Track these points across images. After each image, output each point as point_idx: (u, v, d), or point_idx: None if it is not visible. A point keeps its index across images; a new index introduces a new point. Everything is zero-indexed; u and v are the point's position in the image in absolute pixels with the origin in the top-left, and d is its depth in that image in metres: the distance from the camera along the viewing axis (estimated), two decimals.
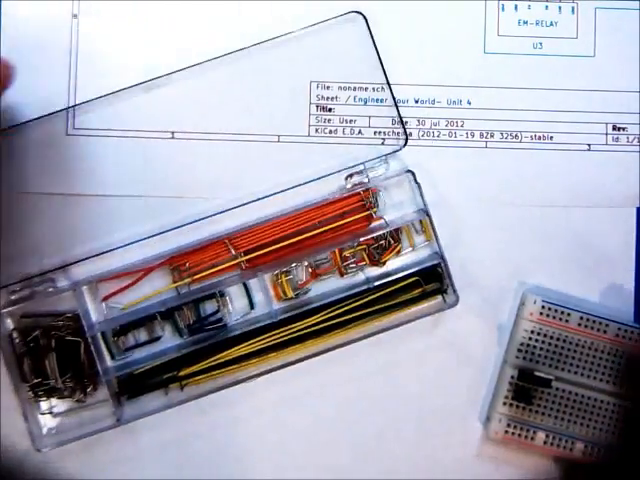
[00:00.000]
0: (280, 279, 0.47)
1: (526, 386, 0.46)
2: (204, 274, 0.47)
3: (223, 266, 0.47)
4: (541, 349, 0.46)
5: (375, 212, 0.47)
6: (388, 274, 0.47)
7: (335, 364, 0.47)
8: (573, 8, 0.49)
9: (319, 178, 0.46)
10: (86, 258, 0.46)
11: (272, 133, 0.48)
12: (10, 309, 0.46)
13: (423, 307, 0.47)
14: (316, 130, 0.48)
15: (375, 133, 0.48)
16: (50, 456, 0.46)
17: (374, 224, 0.47)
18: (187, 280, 0.47)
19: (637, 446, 0.46)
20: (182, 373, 0.46)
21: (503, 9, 0.49)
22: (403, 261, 0.48)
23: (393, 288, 0.47)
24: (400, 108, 0.47)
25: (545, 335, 0.46)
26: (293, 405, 0.48)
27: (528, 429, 0.46)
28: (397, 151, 0.47)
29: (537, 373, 0.46)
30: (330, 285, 0.48)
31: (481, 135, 0.48)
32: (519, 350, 0.46)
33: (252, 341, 0.46)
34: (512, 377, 0.46)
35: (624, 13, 0.49)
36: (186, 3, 0.48)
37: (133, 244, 0.46)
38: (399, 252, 0.48)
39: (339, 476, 0.47)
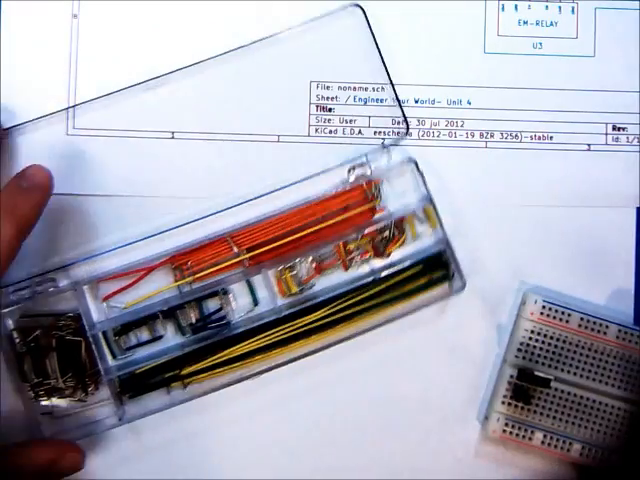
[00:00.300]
0: (284, 275, 0.47)
1: (525, 386, 0.46)
2: (206, 272, 0.47)
3: (226, 264, 0.47)
4: (541, 349, 0.46)
5: (378, 204, 0.47)
6: (393, 265, 0.47)
7: (331, 363, 0.47)
8: (573, 8, 0.49)
9: (322, 172, 0.46)
10: (86, 258, 0.46)
11: (272, 133, 0.48)
12: (10, 309, 0.45)
13: (429, 295, 0.47)
14: (316, 130, 0.48)
15: (375, 133, 0.48)
16: None
17: (377, 216, 0.47)
18: (189, 279, 0.47)
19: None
20: (185, 372, 0.46)
21: (503, 9, 0.49)
22: (408, 251, 0.48)
23: (399, 278, 0.47)
24: None
25: (545, 335, 0.46)
26: (289, 403, 0.48)
27: (526, 429, 0.46)
28: (399, 140, 0.47)
29: (536, 373, 0.46)
30: (335, 279, 0.48)
31: (481, 135, 0.48)
32: (519, 350, 0.46)
33: (256, 338, 0.46)
34: (511, 376, 0.46)
35: (624, 13, 0.49)
36: (186, 3, 0.48)
37: (134, 244, 0.46)
38: (404, 243, 0.48)
39: (338, 473, 0.47)
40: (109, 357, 0.47)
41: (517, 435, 0.46)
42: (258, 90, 0.48)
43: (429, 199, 0.46)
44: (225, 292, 0.47)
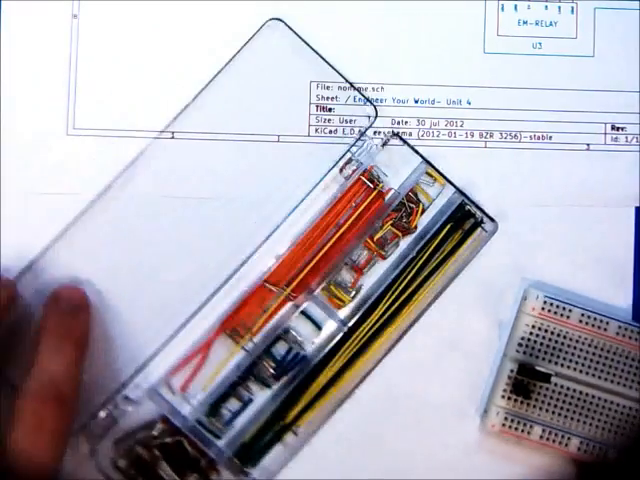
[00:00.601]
0: (331, 290, 0.47)
1: (525, 380, 0.46)
2: (260, 323, 0.47)
3: (274, 306, 0.47)
4: (541, 344, 0.47)
5: (382, 187, 0.47)
6: (425, 235, 0.47)
7: None
8: (573, 8, 0.49)
9: (317, 184, 0.47)
10: (143, 366, 0.46)
11: (272, 133, 0.48)
12: (102, 442, 0.45)
13: (470, 246, 0.47)
14: (316, 130, 0.48)
15: (375, 133, 0.48)
16: None
17: (388, 197, 0.47)
18: (248, 336, 0.46)
19: None
20: (288, 419, 0.46)
21: (503, 9, 0.49)
22: (430, 216, 0.48)
23: (435, 242, 0.47)
24: (400, 108, 0.48)
25: (546, 330, 0.47)
26: None
27: (525, 423, 0.46)
28: (371, 124, 0.47)
29: (537, 368, 0.46)
30: (378, 272, 0.48)
31: (481, 135, 0.49)
32: (519, 344, 0.47)
33: (337, 356, 0.46)
34: (511, 371, 0.46)
35: (624, 13, 0.49)
36: (186, 3, 0.48)
37: (179, 331, 0.46)
38: (424, 211, 0.48)
39: (338, 471, 0.48)
40: (214, 440, 0.46)
41: (516, 429, 0.46)
42: (258, 90, 0.47)
43: (425, 160, 0.47)
44: (287, 331, 0.47)
